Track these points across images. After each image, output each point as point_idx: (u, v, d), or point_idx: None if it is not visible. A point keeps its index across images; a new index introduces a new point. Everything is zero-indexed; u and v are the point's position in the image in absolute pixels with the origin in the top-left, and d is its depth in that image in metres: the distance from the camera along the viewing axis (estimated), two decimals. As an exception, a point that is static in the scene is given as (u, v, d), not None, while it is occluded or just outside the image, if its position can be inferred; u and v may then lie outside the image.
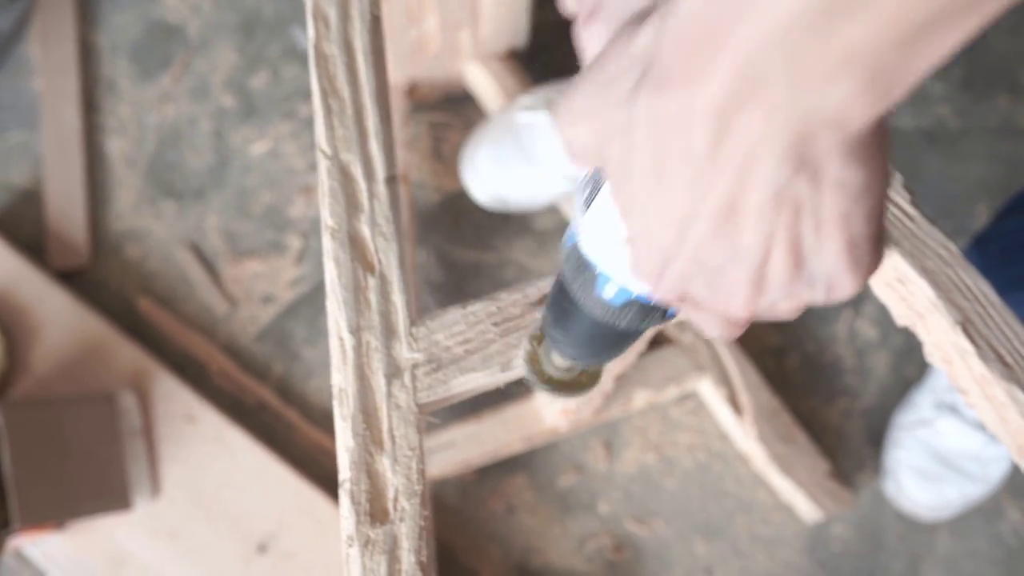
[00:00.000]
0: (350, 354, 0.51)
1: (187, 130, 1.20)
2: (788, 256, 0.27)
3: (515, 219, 1.15)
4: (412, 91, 1.12)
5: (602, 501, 1.05)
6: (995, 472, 1.01)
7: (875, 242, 0.27)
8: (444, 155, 1.17)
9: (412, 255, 1.03)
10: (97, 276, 1.14)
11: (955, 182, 1.18)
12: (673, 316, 0.38)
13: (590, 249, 0.35)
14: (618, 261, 0.34)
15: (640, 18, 0.27)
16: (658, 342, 1.05)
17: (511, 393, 1.02)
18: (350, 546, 0.47)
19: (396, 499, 0.48)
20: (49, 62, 1.21)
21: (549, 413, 0.93)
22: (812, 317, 1.12)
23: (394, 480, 0.49)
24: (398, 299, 0.53)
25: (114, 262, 1.14)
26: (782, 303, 0.29)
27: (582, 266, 0.36)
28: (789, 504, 1.04)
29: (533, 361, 0.48)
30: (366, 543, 0.47)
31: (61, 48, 1.22)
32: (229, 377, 1.10)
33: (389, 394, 0.50)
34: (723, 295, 0.29)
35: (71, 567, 0.98)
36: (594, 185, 0.34)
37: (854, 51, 0.22)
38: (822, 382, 1.10)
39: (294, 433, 1.08)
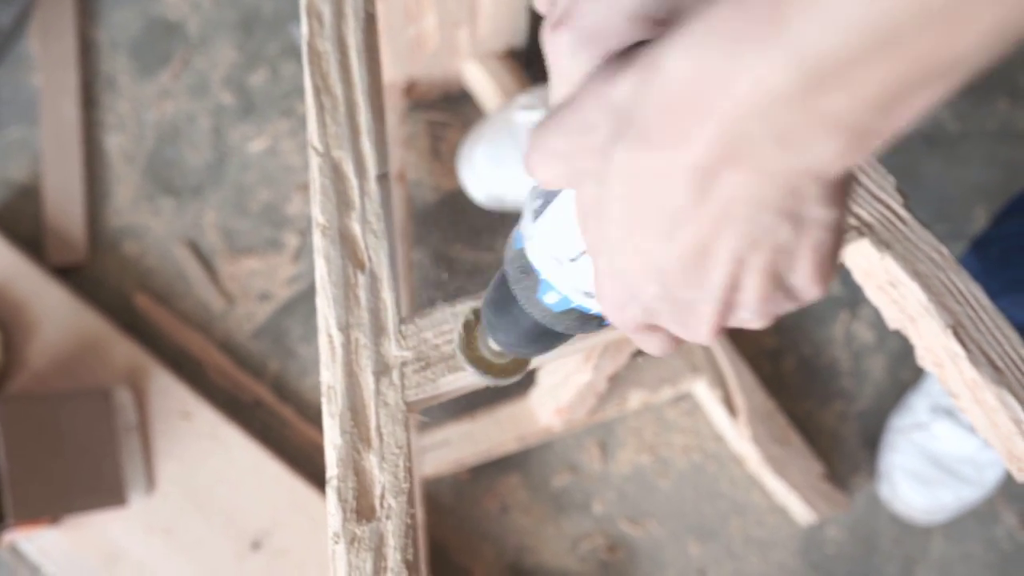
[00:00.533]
0: (339, 351, 0.51)
1: (186, 127, 1.20)
2: (764, 283, 0.29)
3: (512, 219, 1.15)
4: (410, 89, 1.12)
5: (596, 501, 1.05)
6: (990, 476, 1.01)
7: (837, 256, 0.29)
8: (442, 154, 1.17)
9: (408, 254, 1.03)
10: (95, 272, 1.14)
11: (954, 185, 1.18)
12: (609, 324, 0.38)
13: (535, 257, 0.36)
14: (561, 275, 0.35)
15: (619, 60, 0.27)
16: (654, 343, 1.05)
17: (506, 393, 1.02)
18: (336, 543, 0.47)
19: (383, 496, 0.48)
20: (49, 58, 1.22)
21: (543, 413, 0.93)
22: (809, 319, 1.12)
23: (381, 478, 0.49)
24: (388, 297, 0.53)
25: (112, 258, 1.14)
26: (752, 320, 0.31)
27: (526, 270, 0.37)
28: (783, 506, 1.04)
29: (466, 339, 0.48)
30: (352, 540, 0.47)
31: (61, 44, 1.22)
32: (225, 374, 1.10)
33: (377, 391, 0.50)
34: (689, 325, 0.31)
35: (65, 562, 0.99)
36: (545, 198, 0.35)
37: (836, 118, 0.23)
38: (818, 384, 1.10)
39: (289, 430, 1.08)
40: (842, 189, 0.27)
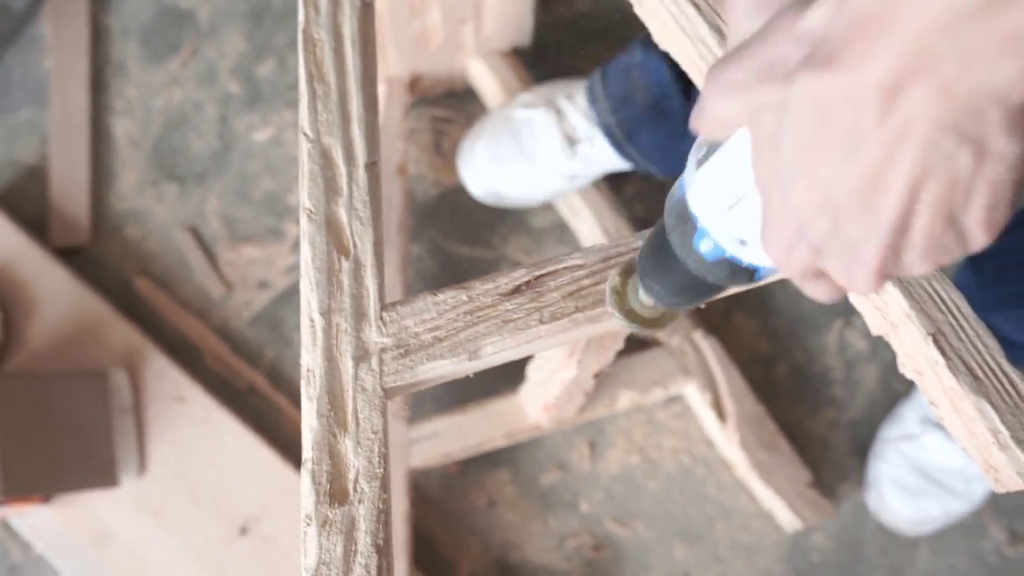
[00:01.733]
0: (320, 335, 0.52)
1: (192, 114, 1.21)
2: (936, 221, 0.28)
3: (512, 216, 1.15)
4: (414, 84, 1.12)
5: (584, 500, 1.06)
6: (979, 489, 1.01)
7: (1011, 204, 0.29)
8: (444, 150, 1.18)
9: (405, 247, 1.04)
10: (97, 255, 1.15)
11: (954, 198, 1.18)
12: (760, 279, 0.40)
13: (695, 204, 0.37)
14: (718, 222, 0.37)
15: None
16: (645, 344, 1.05)
17: (497, 388, 1.03)
18: (308, 525, 0.48)
19: (356, 481, 0.49)
20: (61, 41, 1.23)
21: (532, 409, 0.93)
22: (802, 326, 1.12)
23: (355, 462, 0.49)
24: (371, 283, 0.53)
25: (114, 242, 1.16)
26: (917, 265, 0.31)
27: (684, 218, 0.38)
28: (770, 512, 1.04)
29: (618, 293, 0.50)
30: (324, 523, 0.48)
31: (73, 28, 1.24)
32: (221, 360, 1.11)
33: (356, 377, 0.51)
34: (854, 268, 0.31)
35: (56, 540, 1.00)
36: (709, 147, 0.36)
37: (1019, 34, 0.24)
38: (810, 392, 1.10)
39: (282, 418, 1.08)
40: None
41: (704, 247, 0.38)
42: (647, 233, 0.53)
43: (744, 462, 1.00)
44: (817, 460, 1.07)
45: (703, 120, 0.33)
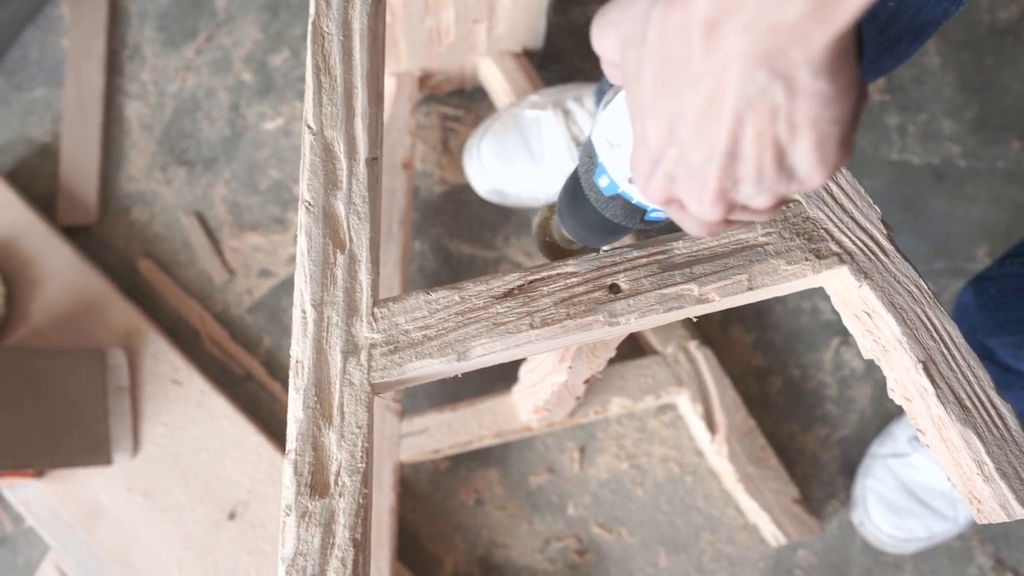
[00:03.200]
0: (311, 327, 0.52)
1: (205, 101, 1.22)
2: (765, 150, 0.31)
3: (515, 218, 1.16)
4: (424, 80, 1.13)
5: (571, 503, 1.06)
6: (964, 513, 1.01)
7: (841, 142, 0.31)
8: (452, 148, 1.18)
9: (407, 243, 1.04)
10: (103, 234, 1.16)
11: (957, 222, 1.18)
12: (653, 222, 0.43)
13: (596, 142, 0.41)
14: (612, 159, 0.40)
15: None
16: (641, 352, 1.06)
17: (490, 386, 1.03)
18: (287, 515, 0.48)
19: (338, 474, 0.49)
20: (79, 23, 1.24)
21: (523, 410, 0.94)
22: (799, 342, 1.12)
23: (338, 455, 0.50)
24: (364, 279, 0.54)
25: (120, 222, 1.17)
26: (755, 198, 0.33)
27: (591, 152, 0.42)
28: (756, 525, 1.04)
29: (543, 225, 0.54)
30: (303, 514, 0.48)
31: (91, 10, 1.25)
32: (219, 345, 1.11)
33: (344, 370, 0.51)
34: (700, 195, 0.34)
35: (47, 514, 1.01)
36: (615, 91, 0.40)
37: None
38: (803, 408, 1.10)
39: (277, 406, 1.09)
40: (834, 64, 0.29)
41: (602, 182, 0.42)
42: (644, 243, 0.54)
43: (731, 474, 1.00)
44: (807, 477, 1.08)
45: (595, 48, 0.37)
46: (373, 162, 0.57)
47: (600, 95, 1.02)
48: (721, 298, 0.53)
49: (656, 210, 0.42)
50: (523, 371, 0.84)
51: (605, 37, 0.36)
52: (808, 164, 0.31)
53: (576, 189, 0.45)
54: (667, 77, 0.32)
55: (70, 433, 0.97)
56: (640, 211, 0.42)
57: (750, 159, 0.31)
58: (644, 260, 0.54)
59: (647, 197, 0.37)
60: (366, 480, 0.50)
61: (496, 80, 1.12)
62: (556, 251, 0.53)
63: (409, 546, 1.04)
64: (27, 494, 1.01)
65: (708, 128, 0.31)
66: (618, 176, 0.41)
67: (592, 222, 0.46)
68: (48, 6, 1.26)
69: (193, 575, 0.99)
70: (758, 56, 0.29)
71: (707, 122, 0.31)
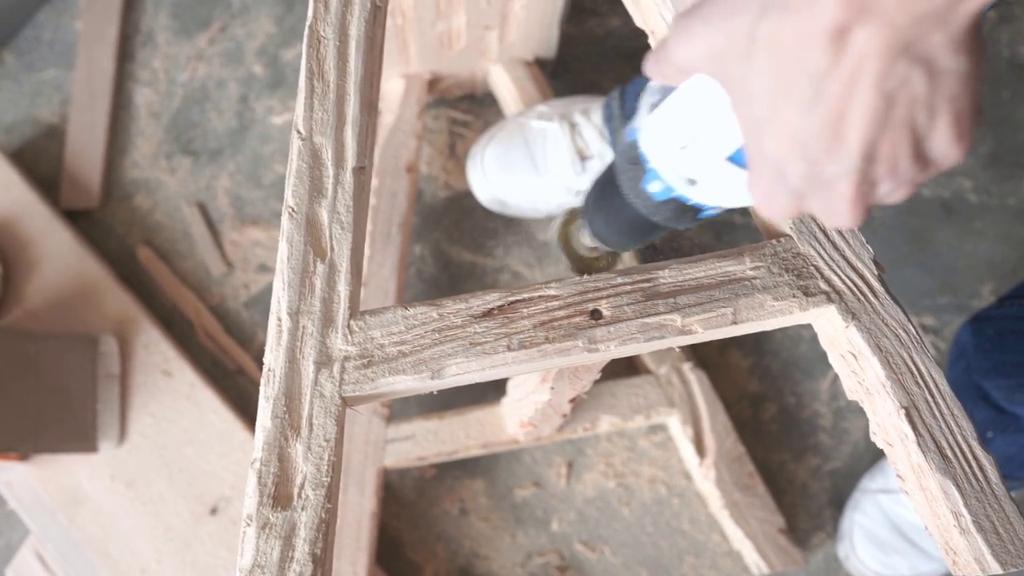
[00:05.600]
0: (285, 335, 0.52)
1: (214, 92, 1.22)
2: (902, 143, 0.30)
3: (517, 227, 1.15)
4: (434, 83, 1.12)
5: (555, 519, 1.05)
6: (953, 556, 0.99)
7: (975, 115, 0.31)
8: (459, 153, 1.18)
9: (405, 246, 1.04)
10: (104, 220, 1.16)
11: (964, 257, 1.16)
12: (703, 217, 0.42)
13: (647, 147, 0.40)
14: (670, 163, 0.39)
15: None
16: (634, 370, 1.05)
17: (481, 396, 1.03)
18: (248, 525, 0.47)
19: (302, 487, 0.49)
20: (93, 6, 1.24)
21: (510, 423, 0.93)
22: (796, 370, 1.11)
23: (304, 467, 0.49)
24: (343, 289, 0.53)
25: (122, 209, 1.17)
26: (893, 194, 0.33)
27: (634, 160, 0.41)
28: (740, 553, 1.03)
29: (563, 234, 0.53)
30: (264, 525, 0.48)
31: (107, -6, 1.25)
32: (213, 337, 1.11)
33: (315, 382, 0.51)
34: (833, 205, 0.33)
35: (29, 498, 1.01)
36: (663, 93, 0.39)
37: None
38: (795, 437, 1.09)
39: (266, 403, 1.09)
40: (971, 38, 0.29)
41: (653, 188, 0.41)
42: (630, 269, 0.53)
43: (718, 499, 0.99)
44: (794, 506, 1.06)
45: (663, 66, 0.36)
46: (360, 171, 0.56)
47: (608, 109, 1.01)
48: (704, 330, 0.52)
49: (711, 208, 0.41)
50: (510, 385, 0.83)
51: (689, 47, 0.34)
52: (947, 144, 0.31)
53: (611, 197, 0.44)
54: (785, 91, 0.30)
55: (57, 418, 0.97)
56: (694, 211, 0.42)
57: (887, 157, 0.31)
58: (628, 287, 0.53)
59: (770, 213, 0.36)
60: (330, 495, 0.49)
61: (506, 87, 1.11)
62: (578, 259, 0.53)
63: (390, 552, 1.03)
64: (10, 476, 1.01)
65: (841, 136, 0.30)
66: (676, 180, 0.39)
67: (631, 225, 0.45)
68: (64, -12, 1.26)
69: (171, 568, 0.98)
70: (898, 48, 0.28)
71: (840, 130, 0.30)
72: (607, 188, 0.44)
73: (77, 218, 1.15)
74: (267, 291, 1.13)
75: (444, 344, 0.52)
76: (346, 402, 0.51)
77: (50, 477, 1.01)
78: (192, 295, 1.12)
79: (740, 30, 0.31)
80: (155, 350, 1.06)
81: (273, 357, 0.51)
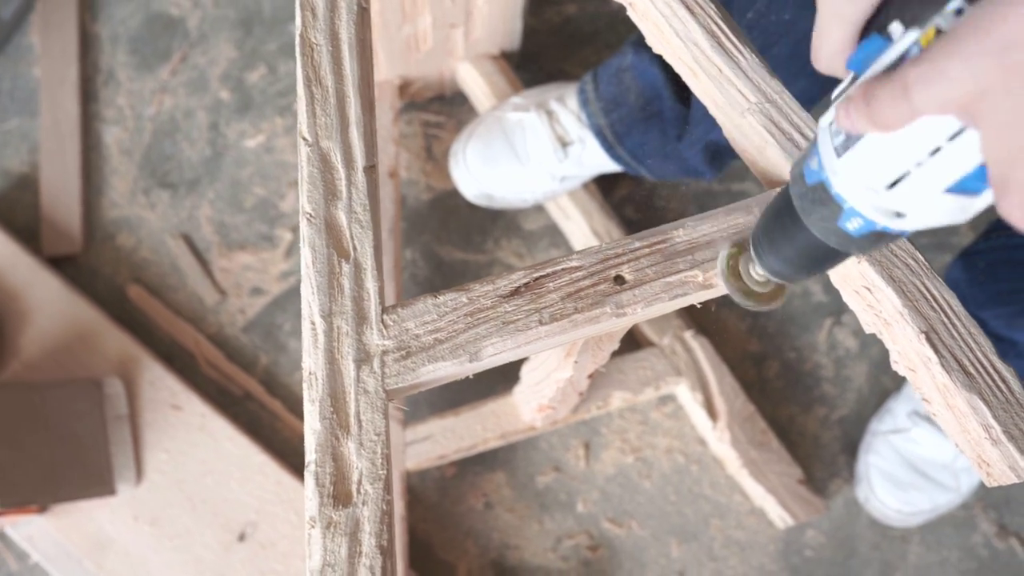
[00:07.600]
0: (321, 338, 0.52)
1: (183, 122, 1.22)
2: None
3: (504, 220, 1.16)
4: (404, 88, 1.13)
5: (580, 500, 1.06)
6: (966, 483, 1.02)
7: None
8: (435, 155, 1.19)
9: (398, 250, 1.04)
10: (89, 263, 1.15)
11: (939, 196, 1.19)
12: (899, 237, 0.43)
13: (842, 188, 0.40)
14: (874, 202, 0.39)
15: None
16: (637, 344, 1.06)
17: (491, 389, 1.04)
18: (312, 527, 0.48)
19: (360, 482, 0.49)
20: (49, 50, 1.23)
21: (526, 410, 0.94)
22: (793, 325, 1.13)
23: (359, 464, 0.50)
24: (371, 286, 0.54)
25: (107, 250, 1.16)
26: None
27: (824, 201, 0.41)
28: (762, 509, 1.05)
29: (730, 268, 0.53)
30: (328, 525, 0.48)
31: (62, 37, 1.24)
32: (216, 366, 1.11)
33: (358, 379, 0.51)
34: None
35: (53, 550, 0.99)
36: (847, 135, 0.39)
37: None
38: (800, 390, 1.11)
39: (278, 423, 1.09)
40: None
41: (852, 225, 0.41)
42: (645, 233, 0.54)
43: (735, 460, 1.01)
44: (809, 457, 1.09)
45: (890, 113, 0.35)
46: (371, 169, 0.57)
47: (583, 94, 1.02)
48: (726, 282, 0.53)
49: (910, 230, 0.42)
50: (525, 370, 0.84)
51: (940, 90, 0.33)
52: None
53: (791, 234, 0.44)
54: None
55: (72, 466, 0.96)
56: (894, 238, 0.42)
57: None
58: (646, 250, 0.54)
59: None
60: (388, 486, 0.50)
61: (475, 83, 1.13)
62: (749, 293, 0.53)
63: (420, 555, 1.04)
64: (31, 531, 1.00)
65: None
66: (878, 216, 0.39)
67: (814, 259, 0.45)
68: (17, 35, 1.25)
69: (205, 599, 0.98)
70: None
71: None
72: (788, 226, 0.45)
73: (62, 264, 1.14)
74: (264, 314, 1.13)
75: (478, 327, 0.53)
76: (390, 395, 0.52)
77: (71, 526, 1.00)
78: (189, 327, 1.12)
79: (1006, 64, 0.31)
80: (161, 386, 1.05)
81: (312, 361, 0.51)
